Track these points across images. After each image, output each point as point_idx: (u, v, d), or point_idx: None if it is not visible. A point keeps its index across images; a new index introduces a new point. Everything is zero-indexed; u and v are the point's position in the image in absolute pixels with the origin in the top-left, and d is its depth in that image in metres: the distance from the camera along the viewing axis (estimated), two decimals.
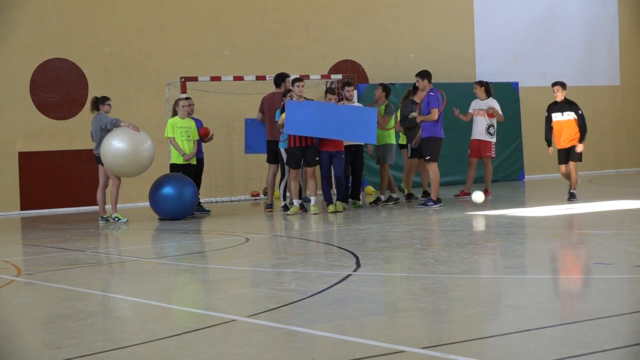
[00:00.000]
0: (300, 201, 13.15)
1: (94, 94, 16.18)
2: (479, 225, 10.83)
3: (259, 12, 17.83)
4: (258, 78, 16.08)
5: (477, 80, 15.57)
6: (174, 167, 13.43)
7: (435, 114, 12.94)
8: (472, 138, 14.86)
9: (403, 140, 14.37)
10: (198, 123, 14.00)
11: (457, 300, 6.17)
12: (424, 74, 13.34)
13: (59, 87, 16.18)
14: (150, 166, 13.05)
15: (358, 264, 7.74)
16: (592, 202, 12.90)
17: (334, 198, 13.25)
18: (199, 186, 13.93)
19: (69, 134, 16.22)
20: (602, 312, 5.38)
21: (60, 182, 16.13)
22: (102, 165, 12.86)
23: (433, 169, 13.01)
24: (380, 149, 13.79)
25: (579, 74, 21.35)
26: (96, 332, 5.65)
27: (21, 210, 15.84)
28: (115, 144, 12.47)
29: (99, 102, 13.01)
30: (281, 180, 13.54)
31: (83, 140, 16.29)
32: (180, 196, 12.85)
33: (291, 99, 12.75)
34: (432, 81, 13.11)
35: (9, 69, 15.83)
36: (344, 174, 13.16)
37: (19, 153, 15.88)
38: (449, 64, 19.40)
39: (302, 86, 12.98)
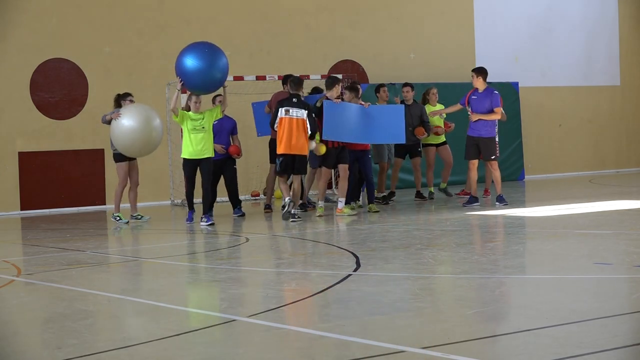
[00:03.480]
0: (322, 203, 12.65)
1: (94, 94, 16.27)
2: (479, 225, 10.83)
3: (259, 12, 17.83)
4: (258, 78, 16.08)
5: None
6: (186, 163, 12.25)
7: (499, 114, 12.81)
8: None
9: (433, 139, 14.49)
10: (231, 122, 13.12)
11: (457, 300, 6.17)
12: (483, 70, 12.93)
13: (59, 87, 16.18)
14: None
15: (358, 264, 7.74)
16: (592, 202, 12.90)
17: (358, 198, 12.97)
18: (235, 189, 13.17)
19: (68, 134, 16.21)
20: (602, 312, 5.38)
21: (60, 182, 16.13)
22: (119, 162, 12.69)
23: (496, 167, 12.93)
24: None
25: (579, 74, 21.36)
26: (96, 332, 5.65)
27: (21, 210, 15.84)
28: (125, 123, 12.23)
29: (120, 99, 12.81)
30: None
31: (83, 140, 16.31)
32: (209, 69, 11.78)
33: (329, 100, 12.20)
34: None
35: (9, 69, 15.83)
36: (372, 174, 12.90)
37: (19, 153, 15.88)
38: (449, 64, 19.40)
39: (341, 86, 12.50)
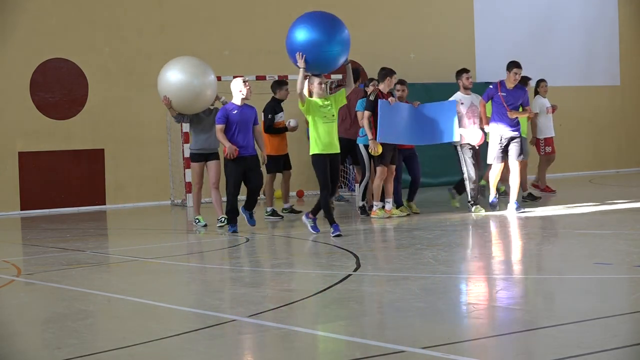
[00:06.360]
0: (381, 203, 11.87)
1: (94, 94, 16.27)
2: (480, 225, 10.83)
3: (259, 12, 17.83)
4: (258, 78, 16.06)
5: (541, 78, 15.74)
6: (317, 159, 10.12)
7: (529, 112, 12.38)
8: (552, 136, 14.93)
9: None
10: (253, 111, 11.13)
11: (457, 300, 6.18)
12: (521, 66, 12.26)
13: (59, 87, 16.17)
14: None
15: (358, 264, 7.74)
16: (592, 202, 12.90)
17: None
18: (254, 202, 11.43)
19: (68, 134, 16.21)
20: (602, 312, 5.38)
21: (60, 182, 16.12)
22: (193, 163, 12.02)
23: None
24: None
25: (579, 74, 21.36)
26: (96, 332, 5.66)
27: (21, 210, 15.84)
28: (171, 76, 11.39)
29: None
30: (361, 180, 12.43)
31: (83, 140, 16.30)
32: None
33: (382, 99, 11.62)
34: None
35: (9, 69, 15.83)
36: (420, 174, 12.40)
37: (19, 153, 15.88)
38: (449, 64, 19.37)
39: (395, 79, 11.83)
